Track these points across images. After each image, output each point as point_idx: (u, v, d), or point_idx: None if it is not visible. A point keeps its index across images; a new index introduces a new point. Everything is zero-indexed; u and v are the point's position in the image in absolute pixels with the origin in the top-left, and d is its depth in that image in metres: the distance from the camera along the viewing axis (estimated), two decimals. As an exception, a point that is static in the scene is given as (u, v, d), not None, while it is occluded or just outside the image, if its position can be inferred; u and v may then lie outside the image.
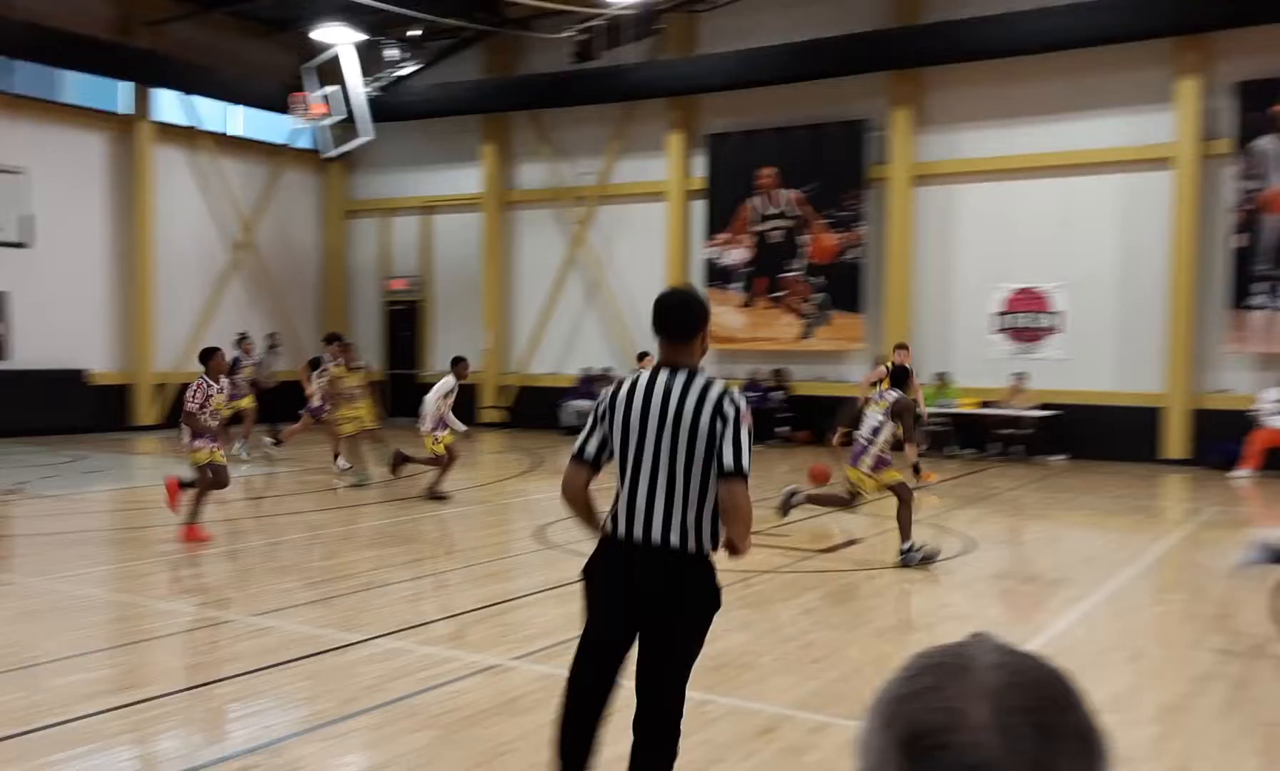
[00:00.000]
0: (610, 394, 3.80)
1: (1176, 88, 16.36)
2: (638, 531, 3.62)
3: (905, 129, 18.47)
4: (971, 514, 12.16)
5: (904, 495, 8.93)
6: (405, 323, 24.18)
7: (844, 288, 19.16)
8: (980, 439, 17.58)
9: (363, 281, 24.59)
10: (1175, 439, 16.55)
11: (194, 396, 9.64)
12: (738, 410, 3.59)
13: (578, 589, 3.83)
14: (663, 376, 3.67)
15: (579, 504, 3.81)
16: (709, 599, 3.65)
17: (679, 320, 3.73)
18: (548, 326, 22.17)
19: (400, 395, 22.52)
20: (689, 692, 3.72)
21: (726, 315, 19.77)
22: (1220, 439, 15.73)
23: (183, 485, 10.00)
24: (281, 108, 21.78)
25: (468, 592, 8.28)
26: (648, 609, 3.62)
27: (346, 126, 21.33)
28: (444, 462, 12.42)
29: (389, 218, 24.12)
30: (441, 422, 12.42)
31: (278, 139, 23.26)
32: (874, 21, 18.30)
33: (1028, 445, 16.95)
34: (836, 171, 19.09)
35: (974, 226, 18.24)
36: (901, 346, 13.99)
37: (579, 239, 21.74)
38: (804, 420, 18.76)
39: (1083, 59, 16.77)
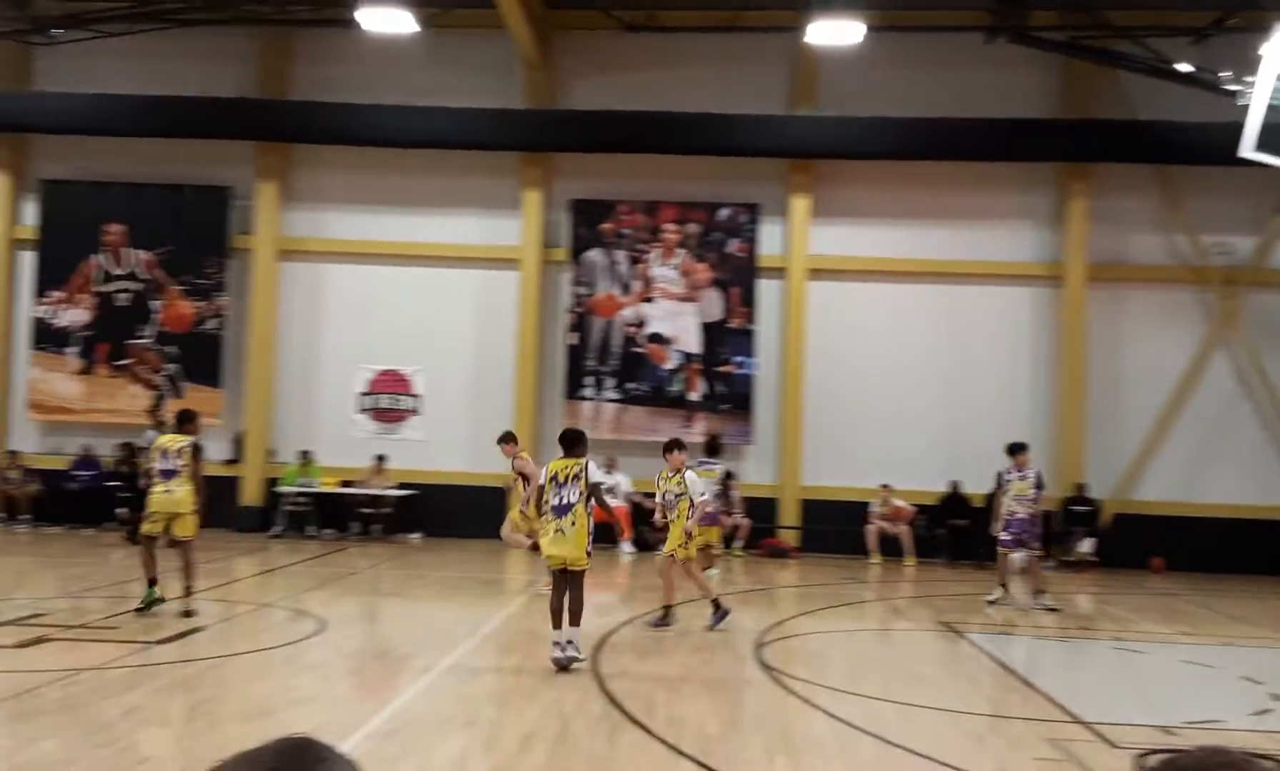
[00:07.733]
0: None
1: (523, 198, 18.08)
2: None
3: (272, 201, 18.02)
4: (327, 594, 11.90)
5: None
6: None
7: (201, 359, 17.98)
8: (342, 518, 17.42)
9: None
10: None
11: None
12: None
13: None
14: None
15: None
16: None
17: None
18: None
19: None
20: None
21: (58, 383, 17.50)
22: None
23: None
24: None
25: None
26: None
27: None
28: None
29: None
30: None
31: None
32: (238, 89, 17.77)
33: (387, 524, 17.17)
34: (196, 237, 18.00)
35: (340, 306, 18.27)
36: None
37: None
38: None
39: (443, 160, 17.82)
